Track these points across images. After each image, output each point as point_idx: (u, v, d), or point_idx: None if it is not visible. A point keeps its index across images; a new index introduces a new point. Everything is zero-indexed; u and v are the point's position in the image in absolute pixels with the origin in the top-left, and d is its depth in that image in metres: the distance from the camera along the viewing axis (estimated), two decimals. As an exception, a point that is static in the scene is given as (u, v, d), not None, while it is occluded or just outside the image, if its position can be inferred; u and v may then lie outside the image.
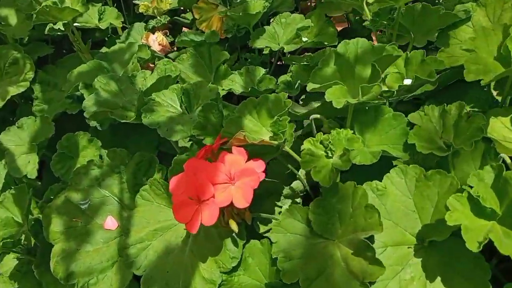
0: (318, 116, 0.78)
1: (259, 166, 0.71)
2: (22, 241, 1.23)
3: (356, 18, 1.57)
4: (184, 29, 1.79)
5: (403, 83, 0.83)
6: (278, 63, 1.46)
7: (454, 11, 0.98)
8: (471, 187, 0.66)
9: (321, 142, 0.73)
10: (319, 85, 0.76)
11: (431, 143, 0.74)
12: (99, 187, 1.06)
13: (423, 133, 0.75)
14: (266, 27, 1.32)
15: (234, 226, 0.71)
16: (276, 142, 0.71)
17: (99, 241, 1.01)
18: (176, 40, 1.40)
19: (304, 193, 0.95)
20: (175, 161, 0.91)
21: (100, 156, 1.21)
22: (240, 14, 1.28)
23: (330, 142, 0.72)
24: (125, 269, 0.94)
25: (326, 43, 1.33)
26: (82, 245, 1.00)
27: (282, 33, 1.30)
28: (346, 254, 0.72)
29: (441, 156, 0.74)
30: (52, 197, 1.15)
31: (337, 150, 0.72)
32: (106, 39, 1.73)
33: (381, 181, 0.76)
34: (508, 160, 0.69)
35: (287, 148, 0.76)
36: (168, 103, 0.98)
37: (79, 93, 1.24)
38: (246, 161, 0.72)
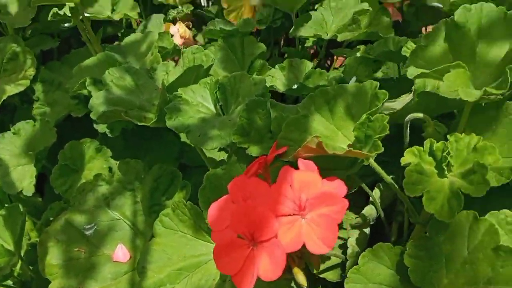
0: (421, 115, 0.54)
1: (338, 188, 0.48)
2: (17, 271, 1.03)
3: (410, 9, 1.35)
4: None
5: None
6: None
7: None
8: None
9: (431, 153, 0.49)
10: (429, 70, 0.52)
11: None
12: (108, 208, 0.86)
13: None
14: (312, 12, 1.09)
15: (301, 278, 0.47)
16: (369, 153, 0.47)
17: (106, 277, 0.81)
18: (203, 31, 1.19)
19: (374, 221, 0.71)
20: (208, 178, 0.68)
21: (110, 169, 1.01)
22: (282, -3, 1.06)
23: (448, 153, 0.48)
24: (140, 317, 0.72)
25: (381, 34, 1.10)
26: (85, 283, 0.81)
27: (332, 20, 1.08)
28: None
29: None
30: (52, 218, 0.95)
31: (455, 164, 0.49)
32: (120, 34, 1.53)
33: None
34: None
35: (372, 161, 0.52)
36: (199, 102, 0.76)
37: (87, 91, 1.03)
38: (318, 181, 0.49)
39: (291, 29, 1.09)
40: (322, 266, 0.69)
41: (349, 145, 0.52)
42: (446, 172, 0.49)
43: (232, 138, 0.65)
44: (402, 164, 0.49)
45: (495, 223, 0.50)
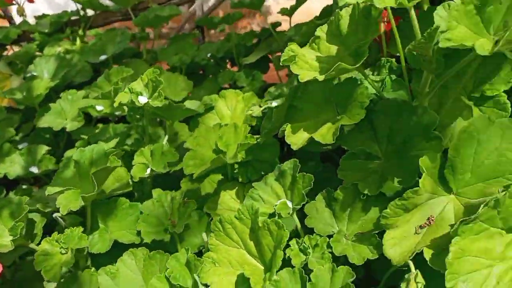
0: (59, 215, 0.88)
1: None
2: None
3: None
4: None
5: (146, 173, 0.98)
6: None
7: (202, 101, 1.18)
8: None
9: (57, 241, 0.83)
10: (57, 190, 0.86)
11: (158, 226, 0.90)
12: None
13: (151, 219, 0.91)
14: (52, 104, 1.37)
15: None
16: (8, 249, 0.78)
17: None
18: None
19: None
20: None
21: None
22: (24, 95, 1.32)
23: (62, 241, 0.82)
24: None
25: (117, 113, 1.44)
26: None
27: (69, 109, 1.37)
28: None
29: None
30: None
31: (70, 247, 0.83)
32: None
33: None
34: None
35: (33, 245, 0.84)
36: None
37: None
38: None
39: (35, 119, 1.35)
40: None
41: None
42: (64, 252, 0.83)
43: None
44: (37, 248, 0.82)
45: (104, 274, 0.85)
